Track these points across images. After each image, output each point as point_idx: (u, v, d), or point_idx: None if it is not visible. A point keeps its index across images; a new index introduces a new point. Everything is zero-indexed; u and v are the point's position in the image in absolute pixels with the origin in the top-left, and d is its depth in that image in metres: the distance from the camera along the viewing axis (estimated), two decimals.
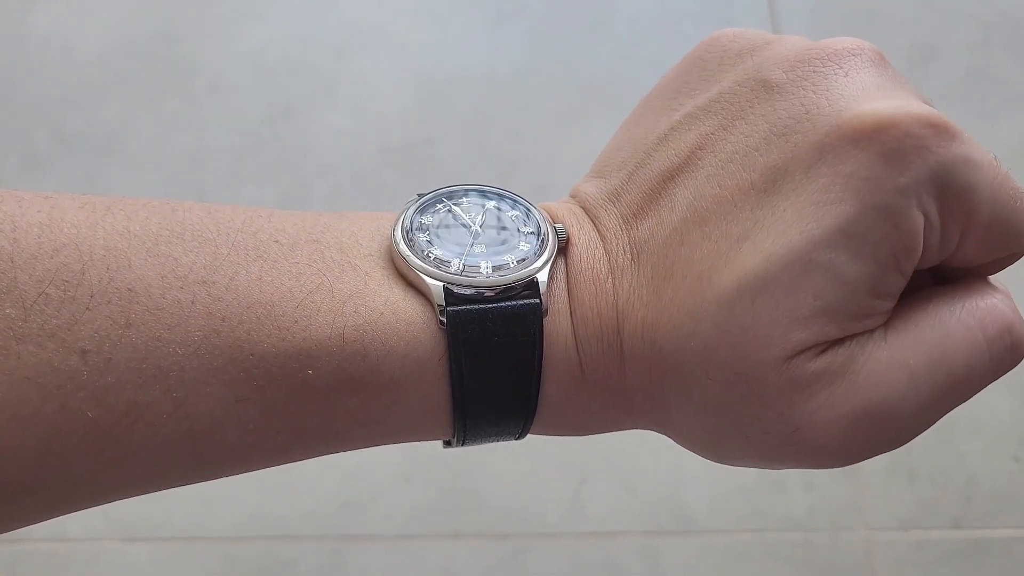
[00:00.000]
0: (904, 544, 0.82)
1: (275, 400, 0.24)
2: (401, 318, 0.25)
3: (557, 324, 0.26)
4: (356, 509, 0.82)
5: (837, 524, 0.81)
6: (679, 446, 0.28)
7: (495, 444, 0.28)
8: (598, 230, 0.27)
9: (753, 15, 1.06)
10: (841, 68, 0.25)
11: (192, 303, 0.23)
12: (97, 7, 1.07)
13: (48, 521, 0.26)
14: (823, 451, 0.25)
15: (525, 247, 0.26)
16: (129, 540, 0.80)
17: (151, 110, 1.01)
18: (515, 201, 0.28)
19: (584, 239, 0.27)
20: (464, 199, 0.28)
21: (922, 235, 0.24)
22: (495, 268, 0.26)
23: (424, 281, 0.25)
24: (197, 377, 0.23)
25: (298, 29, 1.07)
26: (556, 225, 0.27)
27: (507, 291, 0.26)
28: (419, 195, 0.28)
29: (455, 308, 0.25)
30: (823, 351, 0.24)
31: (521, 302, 0.26)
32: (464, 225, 0.27)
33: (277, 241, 0.25)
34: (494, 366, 0.26)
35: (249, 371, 0.24)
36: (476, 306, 0.25)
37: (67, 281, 0.22)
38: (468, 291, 0.25)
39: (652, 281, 0.26)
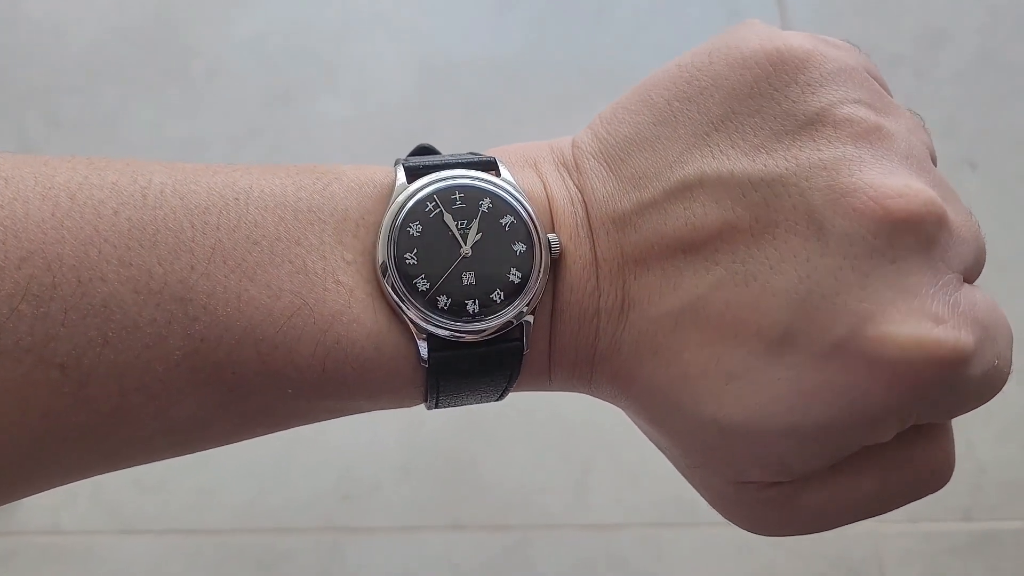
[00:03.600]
0: (913, 536, 0.81)
1: (257, 406, 0.24)
2: (383, 352, 0.24)
3: (535, 351, 0.26)
4: (356, 501, 0.81)
5: None
6: None
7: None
8: (594, 252, 0.26)
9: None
10: (892, 248, 0.23)
11: (169, 323, 0.22)
12: None
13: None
14: (740, 526, 0.27)
15: (516, 276, 0.25)
16: (125, 533, 0.79)
17: (148, 96, 1.00)
18: (508, 202, 0.26)
19: (579, 263, 0.26)
20: (457, 196, 0.26)
21: (894, 434, 0.24)
22: (481, 307, 0.25)
23: (409, 323, 0.25)
24: (180, 388, 0.23)
25: (298, 13, 1.05)
26: (551, 236, 0.26)
27: (492, 337, 0.25)
28: (407, 170, 0.26)
29: (438, 354, 0.25)
30: (770, 485, 0.25)
31: (504, 346, 0.25)
32: (454, 239, 0.26)
33: (256, 243, 0.24)
34: (470, 392, 0.26)
35: (231, 385, 0.23)
36: (457, 352, 0.25)
37: (39, 296, 0.21)
38: (452, 336, 0.25)
39: (636, 346, 0.25)
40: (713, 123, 0.25)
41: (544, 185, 0.27)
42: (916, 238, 0.23)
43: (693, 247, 0.25)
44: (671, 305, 0.25)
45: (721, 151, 0.25)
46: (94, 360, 0.22)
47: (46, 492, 0.24)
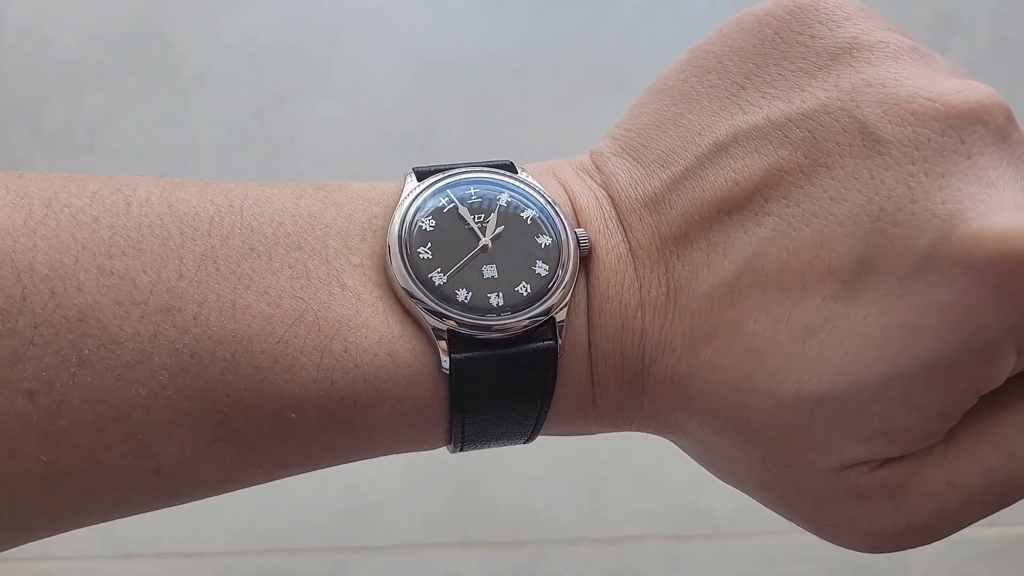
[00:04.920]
0: (938, 543, 0.79)
1: (254, 440, 0.21)
2: (398, 361, 0.22)
3: (573, 359, 0.23)
4: (360, 518, 0.79)
5: None
6: None
7: (504, 447, 0.26)
8: (627, 241, 0.23)
9: None
10: (963, 143, 0.20)
11: (155, 337, 0.20)
12: None
13: None
14: (849, 546, 0.24)
15: (543, 268, 0.23)
16: (122, 557, 0.77)
17: (135, 103, 0.97)
18: (529, 196, 0.24)
19: (613, 255, 0.23)
20: (472, 191, 0.23)
21: (1010, 369, 0.21)
22: (507, 301, 0.22)
23: (426, 321, 0.22)
24: (164, 419, 0.20)
25: (288, 14, 1.03)
26: (578, 230, 0.23)
27: (521, 334, 0.22)
28: (417, 173, 0.24)
29: (460, 356, 0.22)
30: (879, 467, 0.22)
31: (535, 345, 0.22)
32: (472, 232, 0.23)
33: (252, 248, 0.21)
34: (500, 411, 0.23)
35: (224, 412, 0.20)
36: (483, 352, 0.22)
37: (4, 310, 0.19)
38: (476, 334, 0.22)
39: (690, 332, 0.22)
40: (737, 83, 0.23)
41: (564, 187, 0.25)
42: (987, 129, 0.20)
43: (738, 204, 0.22)
44: (724, 273, 0.22)
45: (752, 104, 0.23)
46: (66, 384, 0.19)
47: None
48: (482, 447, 0.24)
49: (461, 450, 0.24)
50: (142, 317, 0.20)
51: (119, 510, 0.22)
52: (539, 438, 0.25)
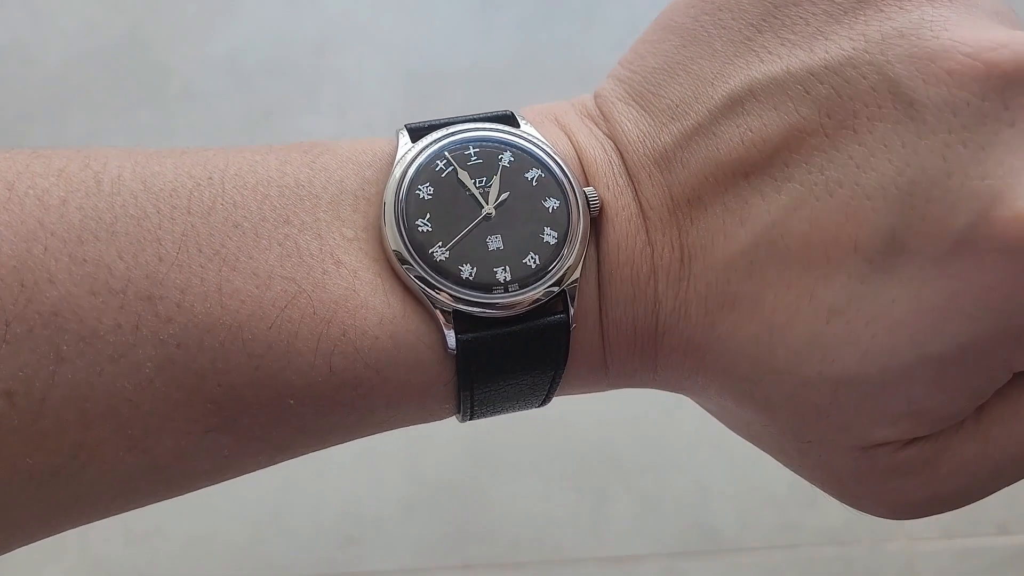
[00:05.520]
0: (948, 553, 0.78)
1: (251, 428, 0.20)
2: (400, 342, 0.20)
3: (584, 328, 0.22)
4: (358, 542, 0.77)
5: (876, 535, 0.77)
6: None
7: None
8: (638, 201, 0.22)
9: None
10: (1007, 108, 0.18)
11: (136, 328, 0.18)
12: (60, 13, 1.02)
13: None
14: (874, 514, 0.22)
15: (551, 236, 0.21)
16: None
17: (120, 121, 0.96)
18: (533, 153, 0.22)
19: (623, 215, 0.22)
20: (471, 151, 0.22)
21: None
22: (515, 275, 0.21)
23: (428, 302, 0.20)
24: (154, 412, 0.19)
25: (275, 28, 1.02)
26: (587, 189, 0.22)
27: (530, 309, 0.21)
28: (410, 131, 0.22)
29: (467, 336, 0.20)
30: (906, 445, 0.20)
31: (545, 320, 0.21)
32: (473, 199, 0.21)
33: (236, 225, 0.20)
34: (510, 385, 0.22)
35: (217, 402, 0.19)
36: (491, 332, 0.21)
37: None
38: (483, 312, 0.21)
39: (705, 302, 0.21)
40: (753, 25, 0.21)
41: (569, 137, 0.23)
42: None
43: (756, 167, 0.20)
44: (741, 243, 0.20)
45: (769, 52, 0.21)
46: (46, 383, 0.18)
47: (27, 547, 0.21)
48: (493, 415, 0.23)
49: (471, 419, 0.23)
50: (121, 307, 0.18)
51: (117, 506, 0.21)
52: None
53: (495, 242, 0.21)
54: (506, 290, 0.21)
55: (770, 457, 0.24)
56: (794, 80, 0.20)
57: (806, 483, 0.23)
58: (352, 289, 0.20)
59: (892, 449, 0.20)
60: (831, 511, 0.76)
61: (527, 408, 0.23)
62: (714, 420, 0.25)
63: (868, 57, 0.19)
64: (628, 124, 0.22)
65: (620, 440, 0.80)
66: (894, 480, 0.21)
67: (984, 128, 0.18)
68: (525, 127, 0.23)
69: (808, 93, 0.20)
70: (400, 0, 1.05)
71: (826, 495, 0.23)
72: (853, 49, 0.19)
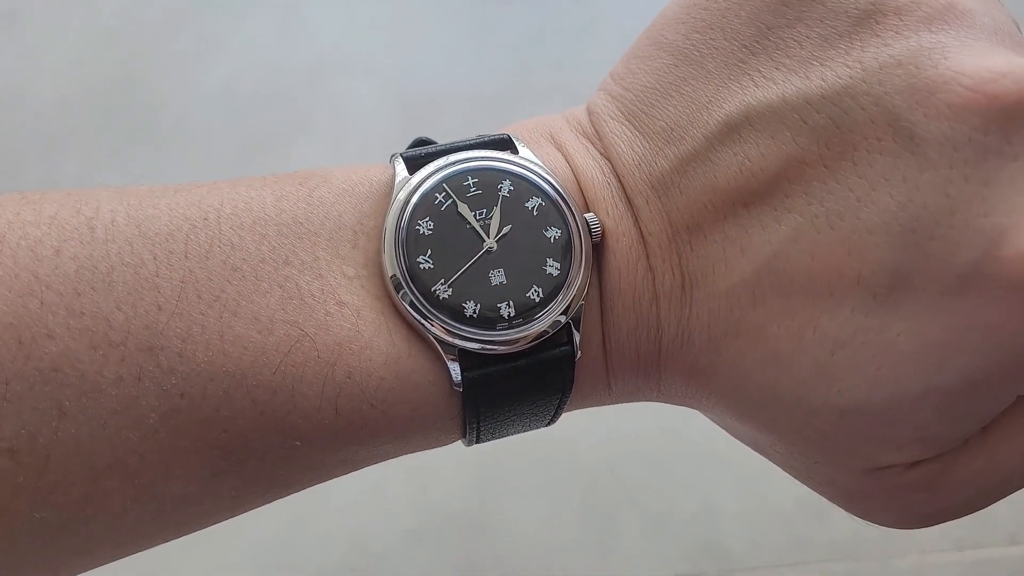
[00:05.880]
0: (960, 566, 0.77)
1: (259, 468, 0.20)
2: (406, 382, 0.20)
3: (588, 355, 0.22)
4: (364, 573, 0.76)
5: (886, 550, 0.76)
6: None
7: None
8: (637, 225, 0.21)
9: None
10: (1009, 143, 0.18)
11: (138, 380, 0.18)
12: (50, 49, 1.02)
13: None
14: (881, 524, 0.22)
15: (554, 267, 0.21)
16: None
17: (114, 157, 0.96)
18: (532, 181, 0.22)
19: (624, 241, 0.21)
20: (470, 181, 0.22)
21: None
22: (519, 310, 0.21)
23: (433, 341, 0.20)
24: (161, 461, 0.18)
25: (266, 59, 1.02)
26: (588, 216, 0.21)
27: (534, 343, 0.21)
28: (406, 160, 0.22)
29: (473, 374, 0.20)
30: (913, 465, 0.20)
31: (550, 353, 0.21)
32: (475, 232, 0.21)
33: (236, 269, 0.20)
34: (516, 413, 0.22)
35: (224, 447, 0.19)
36: (497, 368, 0.21)
37: None
38: (485, 349, 0.20)
39: (708, 329, 0.21)
40: (746, 47, 0.21)
41: (567, 158, 0.23)
42: None
43: (755, 197, 0.20)
44: (742, 273, 0.20)
45: (764, 76, 0.20)
46: (50, 439, 0.18)
47: None
48: (500, 438, 0.23)
49: (476, 443, 0.23)
50: (122, 360, 0.18)
51: (125, 550, 0.21)
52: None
53: (498, 276, 0.21)
54: (510, 325, 0.21)
55: (777, 472, 0.24)
56: (791, 109, 0.20)
57: (814, 498, 0.23)
58: (356, 330, 0.20)
59: (899, 470, 0.20)
60: (841, 526, 0.76)
61: (533, 429, 0.23)
62: (719, 436, 0.25)
63: (866, 88, 0.19)
64: (623, 146, 0.22)
65: (625, 460, 0.79)
66: (902, 496, 0.21)
67: (987, 164, 0.18)
68: (523, 151, 0.22)
69: (806, 123, 0.19)
70: (391, 27, 1.05)
71: (834, 509, 0.23)
72: (850, 78, 0.19)
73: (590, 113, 0.24)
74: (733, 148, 0.20)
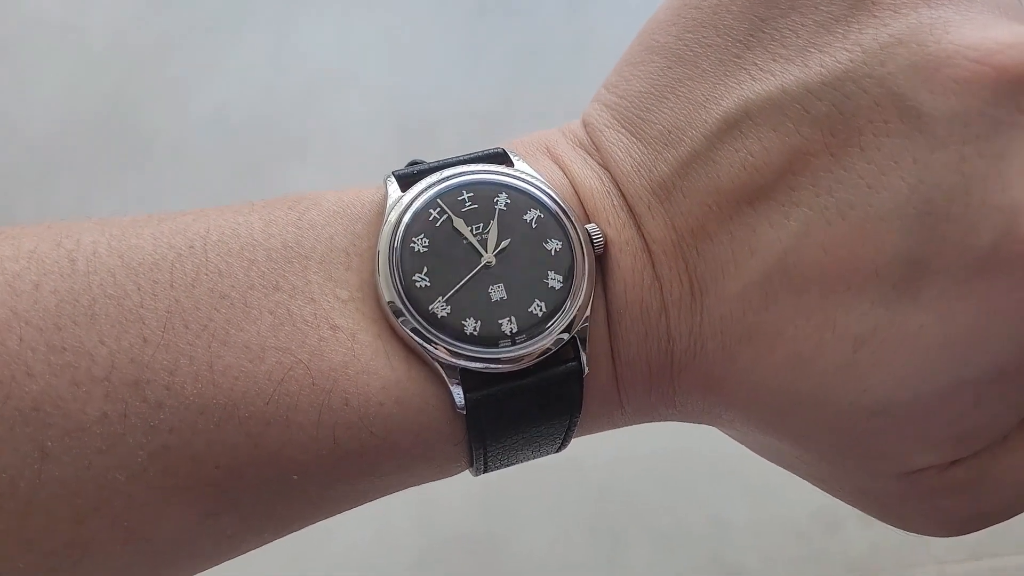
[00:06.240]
0: (978, 574, 0.76)
1: (255, 506, 0.19)
2: (407, 406, 0.19)
3: (596, 371, 0.21)
4: None
5: (903, 560, 0.74)
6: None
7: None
8: (640, 234, 0.21)
9: None
10: (1022, 113, 0.17)
11: (124, 416, 0.17)
12: (41, 79, 1.02)
13: None
14: (921, 533, 0.21)
15: (556, 280, 0.20)
16: None
17: (108, 185, 0.95)
18: (529, 192, 0.21)
19: (627, 251, 0.21)
20: (465, 196, 0.21)
21: None
22: (521, 326, 0.20)
23: (433, 362, 0.19)
24: (150, 500, 0.17)
25: (259, 82, 1.02)
26: (589, 227, 0.21)
27: (540, 360, 0.20)
28: (399, 178, 0.21)
29: (476, 395, 0.19)
30: (951, 465, 0.20)
31: (556, 370, 0.20)
32: (471, 248, 0.20)
33: (224, 296, 0.19)
34: (523, 439, 0.21)
35: (217, 483, 0.18)
36: (501, 387, 0.20)
37: None
38: (488, 368, 0.20)
39: (721, 335, 0.20)
40: (741, 41, 0.20)
41: (564, 170, 0.22)
42: None
43: (760, 193, 0.19)
44: (753, 273, 0.19)
45: (761, 69, 0.19)
46: (32, 482, 0.17)
47: None
48: (508, 466, 0.22)
49: (485, 472, 0.22)
50: (106, 396, 0.17)
51: None
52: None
53: (498, 292, 0.20)
54: (513, 342, 0.20)
55: (789, 485, 0.23)
56: (791, 99, 0.19)
57: (828, 510, 0.22)
58: (352, 354, 0.19)
59: (935, 472, 0.20)
60: (855, 538, 0.75)
61: (543, 456, 0.22)
62: (728, 449, 0.24)
63: (867, 70, 0.18)
64: (620, 153, 0.22)
65: (633, 478, 0.79)
66: (941, 500, 0.20)
67: (1000, 137, 0.17)
68: (519, 164, 0.22)
69: (807, 112, 0.18)
70: (385, 47, 1.05)
71: (849, 521, 0.22)
72: (850, 61, 0.18)
73: (585, 124, 0.23)
74: (734, 145, 0.19)
